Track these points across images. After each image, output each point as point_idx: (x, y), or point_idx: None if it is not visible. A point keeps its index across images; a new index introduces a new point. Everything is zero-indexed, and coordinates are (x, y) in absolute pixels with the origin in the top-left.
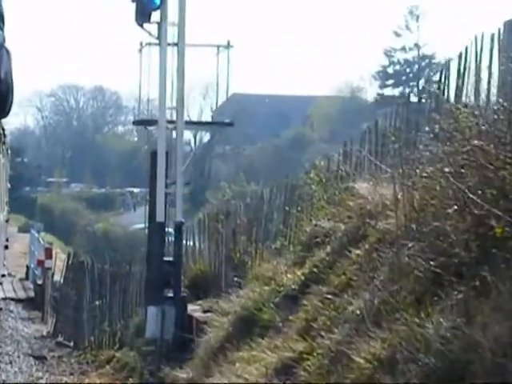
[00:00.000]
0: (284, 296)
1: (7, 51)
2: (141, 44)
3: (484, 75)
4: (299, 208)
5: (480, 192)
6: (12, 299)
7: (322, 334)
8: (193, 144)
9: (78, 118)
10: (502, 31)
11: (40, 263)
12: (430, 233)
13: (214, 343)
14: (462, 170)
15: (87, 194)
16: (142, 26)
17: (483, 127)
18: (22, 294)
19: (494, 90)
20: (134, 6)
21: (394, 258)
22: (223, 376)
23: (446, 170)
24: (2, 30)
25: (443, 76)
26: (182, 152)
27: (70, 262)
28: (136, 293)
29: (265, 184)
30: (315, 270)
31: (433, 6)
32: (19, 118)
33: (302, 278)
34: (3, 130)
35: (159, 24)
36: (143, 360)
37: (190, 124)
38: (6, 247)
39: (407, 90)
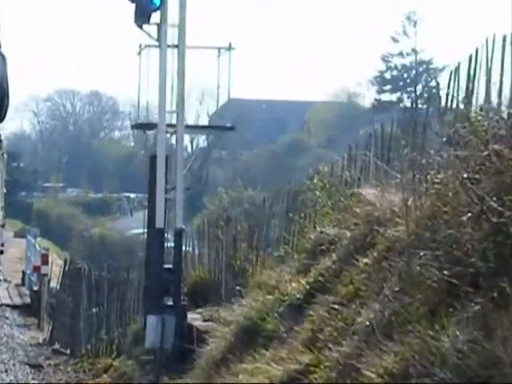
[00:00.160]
0: (288, 305)
1: (2, 56)
2: (140, 46)
3: (496, 77)
4: (302, 214)
5: (496, 198)
6: (8, 305)
7: (330, 345)
8: (189, 149)
9: (75, 122)
10: None
11: (36, 269)
12: (444, 241)
13: (216, 354)
14: (477, 176)
15: (83, 199)
16: (141, 27)
17: (500, 131)
18: (17, 301)
19: (507, 93)
20: (133, 7)
21: (404, 267)
22: None
23: (460, 175)
24: None
25: (452, 79)
26: (182, 156)
27: (66, 269)
28: (134, 300)
29: (262, 190)
30: (320, 278)
31: (430, 12)
32: (15, 123)
33: (307, 286)
34: None
35: (159, 25)
36: (142, 369)
37: (191, 128)
38: (2, 252)
39: (405, 96)
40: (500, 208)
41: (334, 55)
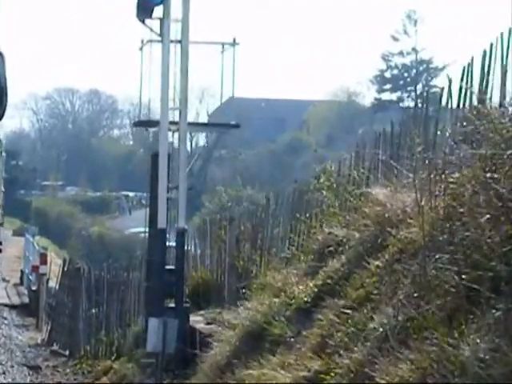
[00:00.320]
0: (296, 309)
1: (1, 54)
2: (142, 41)
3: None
4: (308, 215)
5: None
6: (6, 305)
7: (340, 351)
8: (188, 148)
9: (74, 121)
10: None
11: (35, 269)
12: (461, 244)
13: (220, 358)
14: (496, 175)
15: (82, 198)
16: (143, 22)
17: None
18: (16, 300)
19: None
20: (135, 1)
21: (419, 271)
22: None
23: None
24: None
25: (466, 75)
26: (185, 155)
27: (65, 268)
28: (134, 301)
29: (261, 188)
30: (329, 281)
31: (431, 11)
32: (14, 121)
33: (315, 289)
34: None
35: (162, 20)
36: (142, 372)
37: (194, 125)
38: (0, 251)
39: (405, 95)
40: None
41: (333, 54)
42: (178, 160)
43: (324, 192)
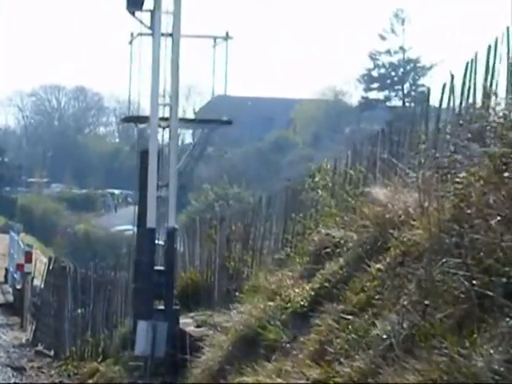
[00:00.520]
0: (292, 313)
1: None
2: (131, 35)
3: None
4: (302, 215)
5: None
6: None
7: (340, 359)
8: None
9: (60, 118)
10: None
11: (20, 267)
12: (470, 247)
13: (213, 364)
14: (506, 174)
15: (68, 195)
16: (133, 14)
17: None
18: (0, 299)
19: None
20: None
21: (424, 275)
22: None
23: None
24: None
25: (469, 70)
26: (176, 152)
27: (51, 267)
28: (121, 301)
29: (248, 187)
30: (327, 284)
31: (418, 10)
32: (0, 118)
33: (312, 293)
34: None
35: (152, 12)
36: (129, 376)
37: (184, 122)
38: None
39: (392, 94)
40: None
41: (321, 53)
42: (168, 157)
43: (319, 191)
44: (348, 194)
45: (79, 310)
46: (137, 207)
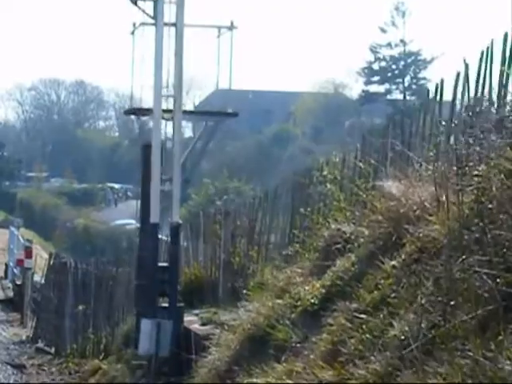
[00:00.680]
0: (302, 312)
1: None
2: (134, 25)
3: None
4: (310, 209)
5: None
6: None
7: (355, 361)
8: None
9: (59, 112)
10: None
11: (19, 263)
12: (493, 243)
13: (220, 364)
14: None
15: (67, 189)
16: (135, 3)
17: None
18: (0, 294)
19: None
20: None
21: (443, 272)
22: None
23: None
24: None
25: (484, 61)
26: (180, 145)
27: (51, 263)
28: (123, 297)
29: (248, 180)
30: (339, 282)
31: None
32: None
33: (323, 291)
34: None
35: (155, 1)
36: (132, 374)
37: (188, 114)
38: None
39: (393, 87)
40: None
41: (321, 45)
42: (171, 151)
43: (328, 185)
44: (358, 187)
45: (80, 307)
46: (139, 202)
